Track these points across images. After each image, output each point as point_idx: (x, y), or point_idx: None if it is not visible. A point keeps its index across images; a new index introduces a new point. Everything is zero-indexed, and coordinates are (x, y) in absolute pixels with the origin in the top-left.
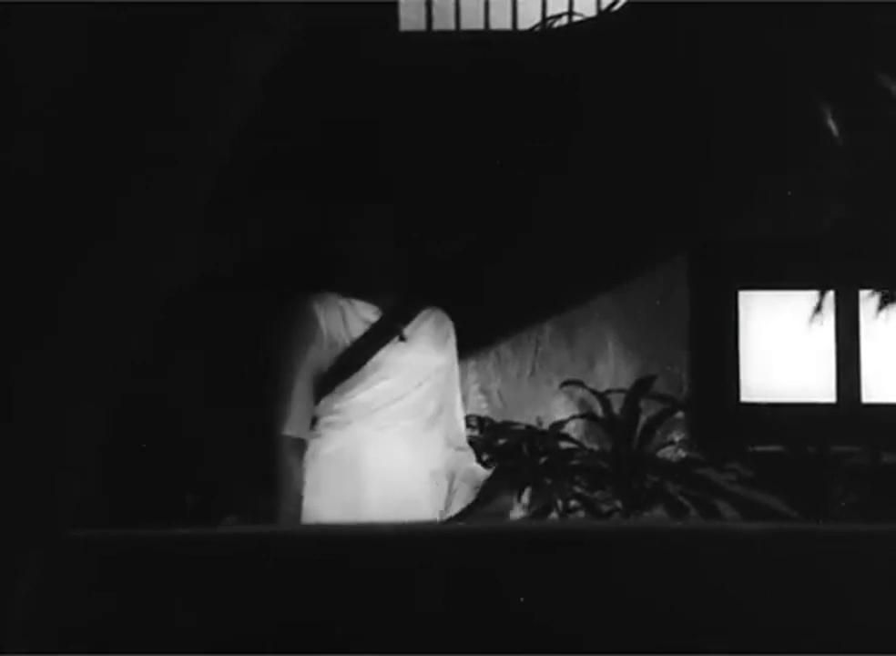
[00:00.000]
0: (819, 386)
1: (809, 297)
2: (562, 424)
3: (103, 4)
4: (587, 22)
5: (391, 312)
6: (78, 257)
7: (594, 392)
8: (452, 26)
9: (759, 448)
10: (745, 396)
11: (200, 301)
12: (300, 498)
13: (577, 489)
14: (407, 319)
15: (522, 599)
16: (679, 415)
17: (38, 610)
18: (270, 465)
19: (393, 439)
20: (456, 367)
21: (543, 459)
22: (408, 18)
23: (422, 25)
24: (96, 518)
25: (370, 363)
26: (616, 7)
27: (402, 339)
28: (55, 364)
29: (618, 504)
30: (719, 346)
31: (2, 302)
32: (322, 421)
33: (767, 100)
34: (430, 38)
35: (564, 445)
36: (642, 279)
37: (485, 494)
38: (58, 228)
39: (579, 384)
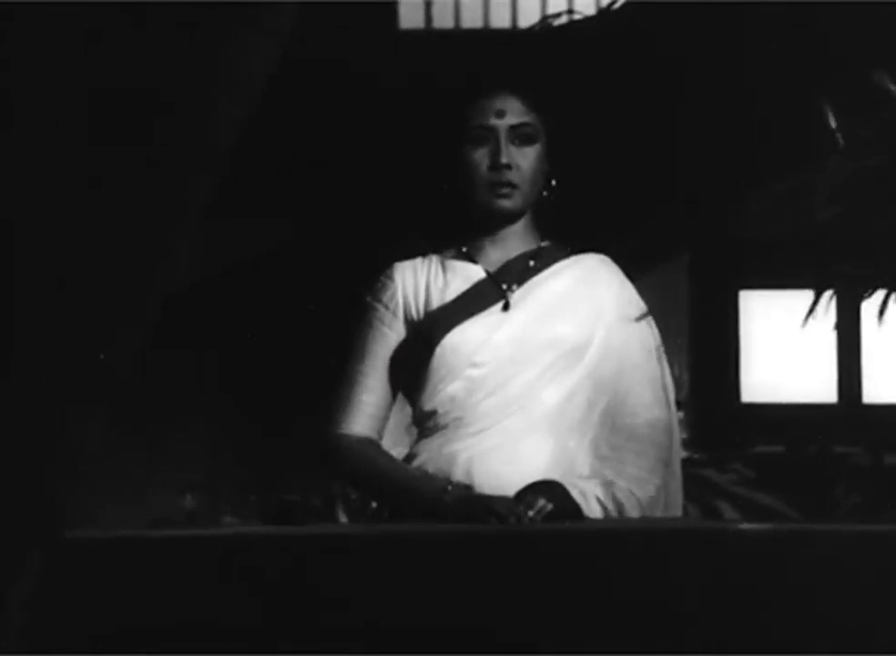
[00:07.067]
0: (819, 386)
1: (809, 297)
2: None
3: (103, 4)
4: (587, 20)
5: (497, 271)
6: (77, 256)
7: None
8: (451, 25)
9: (760, 449)
10: (745, 396)
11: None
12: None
13: None
14: (520, 278)
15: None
16: (679, 414)
17: (38, 610)
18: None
19: (487, 448)
20: (632, 336)
21: None
22: (407, 17)
23: (421, 24)
24: (96, 519)
25: (449, 343)
26: (616, 6)
27: (507, 307)
28: (54, 363)
29: None
30: (719, 346)
31: None
32: (418, 431)
33: (766, 98)
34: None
35: None
36: (641, 278)
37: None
38: (57, 227)
39: None
